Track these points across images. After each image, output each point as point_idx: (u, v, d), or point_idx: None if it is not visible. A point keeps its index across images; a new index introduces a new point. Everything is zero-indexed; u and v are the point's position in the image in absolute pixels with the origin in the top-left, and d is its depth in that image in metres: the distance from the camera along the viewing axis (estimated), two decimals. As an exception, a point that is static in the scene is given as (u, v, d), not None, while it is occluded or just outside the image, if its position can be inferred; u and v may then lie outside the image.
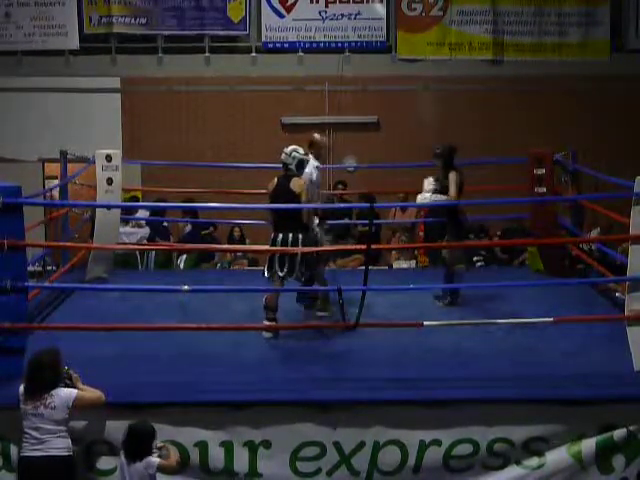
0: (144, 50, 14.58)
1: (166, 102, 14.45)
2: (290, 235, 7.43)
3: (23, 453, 5.57)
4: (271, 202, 7.63)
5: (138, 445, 5.60)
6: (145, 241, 11.90)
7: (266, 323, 7.44)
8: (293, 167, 7.64)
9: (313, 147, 8.44)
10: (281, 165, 7.73)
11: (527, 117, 14.24)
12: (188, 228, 12.52)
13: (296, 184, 7.55)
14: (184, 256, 11.74)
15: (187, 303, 8.30)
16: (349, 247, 10.96)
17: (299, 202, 7.48)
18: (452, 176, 8.34)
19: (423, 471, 6.02)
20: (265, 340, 7.35)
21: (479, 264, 11.91)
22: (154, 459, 5.58)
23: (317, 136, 8.67)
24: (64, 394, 5.58)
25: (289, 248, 7.39)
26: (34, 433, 5.51)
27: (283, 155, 7.69)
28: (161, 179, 12.85)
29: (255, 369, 6.60)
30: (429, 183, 8.51)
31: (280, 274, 7.44)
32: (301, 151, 7.75)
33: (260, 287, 8.45)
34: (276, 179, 7.71)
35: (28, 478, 5.56)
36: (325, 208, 8.70)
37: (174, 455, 5.73)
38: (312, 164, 8.23)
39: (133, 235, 11.69)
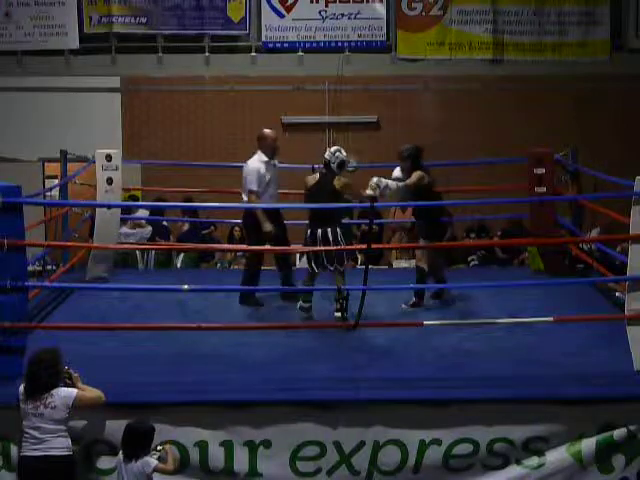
0: (144, 50, 14.59)
1: (166, 102, 14.47)
2: (329, 229, 7.67)
3: (23, 453, 5.57)
4: (310, 198, 7.88)
5: (136, 444, 5.60)
6: (146, 241, 11.94)
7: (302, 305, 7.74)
8: (335, 166, 7.86)
9: (260, 141, 8.57)
10: (323, 164, 7.99)
11: (527, 117, 14.25)
12: (186, 227, 12.53)
13: (337, 182, 7.82)
14: (181, 255, 11.76)
15: (186, 303, 8.32)
16: (349, 247, 10.96)
17: (339, 199, 7.76)
18: (415, 174, 8.19)
19: (423, 471, 6.02)
20: (268, 339, 7.32)
21: (473, 263, 11.91)
22: (152, 460, 5.58)
23: (266, 131, 8.69)
24: (64, 393, 5.58)
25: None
26: (34, 433, 5.51)
27: (327, 153, 7.91)
28: (161, 179, 12.87)
29: (255, 369, 6.59)
30: (397, 171, 8.50)
31: (331, 268, 7.68)
32: (344, 153, 7.95)
33: (260, 287, 8.48)
34: (318, 175, 7.97)
35: (28, 478, 5.56)
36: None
37: (172, 457, 5.71)
38: (258, 158, 8.45)
39: (132, 236, 11.70)
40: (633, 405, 6.01)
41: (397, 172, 8.47)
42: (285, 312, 8.19)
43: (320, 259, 7.66)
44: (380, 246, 9.02)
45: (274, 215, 8.40)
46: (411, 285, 8.34)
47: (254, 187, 8.36)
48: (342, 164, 7.91)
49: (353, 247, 10.44)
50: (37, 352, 5.71)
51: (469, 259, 12.07)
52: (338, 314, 7.61)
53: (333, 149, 7.99)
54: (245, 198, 8.48)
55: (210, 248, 11.90)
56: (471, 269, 11.77)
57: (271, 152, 8.57)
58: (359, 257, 11.28)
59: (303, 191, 8.07)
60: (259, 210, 8.18)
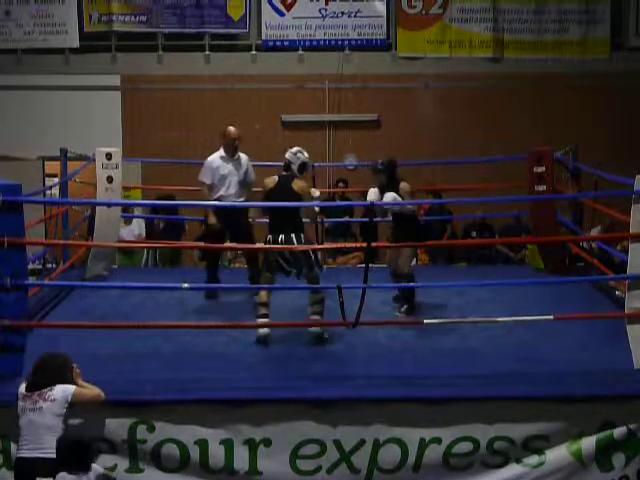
0: (144, 48, 14.58)
1: (166, 100, 14.46)
2: (293, 235, 7.30)
3: (19, 454, 5.56)
4: (268, 201, 7.48)
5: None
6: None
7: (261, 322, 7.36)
8: (296, 168, 7.51)
9: (222, 138, 8.80)
10: (283, 164, 7.60)
11: (527, 115, 14.24)
12: (162, 225, 12.52)
13: (297, 185, 7.43)
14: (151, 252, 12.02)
15: (186, 301, 8.33)
16: (349, 245, 10.98)
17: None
18: (405, 186, 7.95)
19: (423, 469, 6.01)
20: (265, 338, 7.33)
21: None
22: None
23: (229, 128, 8.83)
24: (64, 388, 5.59)
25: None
26: (31, 430, 5.49)
27: (288, 154, 7.58)
28: (161, 177, 12.87)
29: (255, 367, 6.60)
30: (374, 193, 8.00)
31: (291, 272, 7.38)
32: (306, 154, 7.60)
33: (261, 285, 8.46)
34: (277, 177, 7.55)
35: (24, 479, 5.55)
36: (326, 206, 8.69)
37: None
38: (218, 153, 8.71)
39: (130, 231, 11.80)
40: (633, 403, 6.01)
41: (373, 195, 7.98)
42: (283, 310, 8.17)
43: (279, 263, 7.28)
44: (380, 244, 9.02)
45: (228, 212, 8.51)
46: (411, 284, 8.32)
47: (203, 179, 8.74)
48: (303, 166, 7.54)
49: (353, 245, 10.46)
50: (50, 354, 5.74)
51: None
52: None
53: (294, 149, 7.57)
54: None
55: (209, 247, 11.90)
56: (471, 267, 11.77)
57: (229, 149, 8.75)
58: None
59: (262, 194, 7.61)
60: (208, 204, 8.58)
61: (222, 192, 8.63)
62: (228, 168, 8.68)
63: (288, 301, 8.04)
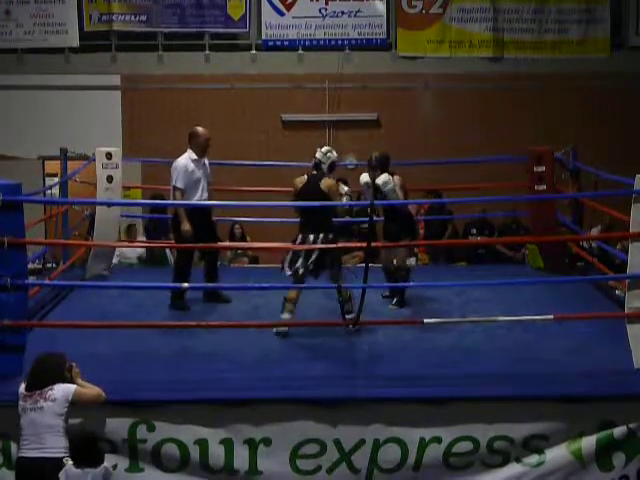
0: (144, 47, 14.57)
1: (166, 99, 14.45)
2: (321, 236, 7.32)
3: (20, 454, 5.56)
4: (297, 201, 7.53)
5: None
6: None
7: (285, 317, 7.41)
8: (326, 167, 7.53)
9: (191, 139, 8.53)
10: (312, 164, 7.61)
11: (527, 115, 14.24)
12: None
13: (325, 183, 7.45)
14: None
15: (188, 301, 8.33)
16: (350, 245, 10.95)
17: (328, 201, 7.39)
18: (397, 180, 8.13)
19: (423, 469, 6.02)
20: (268, 337, 7.32)
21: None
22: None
23: (199, 129, 8.63)
24: (64, 387, 5.60)
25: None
26: (32, 430, 5.50)
27: (318, 154, 7.57)
28: (161, 177, 12.86)
29: (255, 366, 6.60)
30: (365, 176, 8.21)
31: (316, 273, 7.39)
32: (335, 153, 7.64)
33: (261, 285, 8.47)
34: (306, 176, 7.57)
35: (25, 479, 5.55)
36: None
37: None
38: (187, 156, 8.39)
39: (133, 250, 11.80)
40: (633, 403, 6.02)
41: (365, 177, 8.22)
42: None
43: (309, 264, 7.23)
44: (380, 244, 9.00)
45: (201, 214, 8.30)
46: (412, 283, 8.33)
47: (178, 184, 8.35)
48: (333, 165, 7.59)
49: (352, 245, 10.45)
50: (46, 353, 5.73)
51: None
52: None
53: (324, 149, 7.61)
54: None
55: (210, 246, 11.89)
56: (471, 267, 11.76)
57: (201, 151, 8.50)
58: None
59: (292, 195, 7.65)
60: (181, 209, 8.21)
61: (197, 197, 8.36)
62: (200, 172, 8.43)
63: (316, 300, 8.06)
